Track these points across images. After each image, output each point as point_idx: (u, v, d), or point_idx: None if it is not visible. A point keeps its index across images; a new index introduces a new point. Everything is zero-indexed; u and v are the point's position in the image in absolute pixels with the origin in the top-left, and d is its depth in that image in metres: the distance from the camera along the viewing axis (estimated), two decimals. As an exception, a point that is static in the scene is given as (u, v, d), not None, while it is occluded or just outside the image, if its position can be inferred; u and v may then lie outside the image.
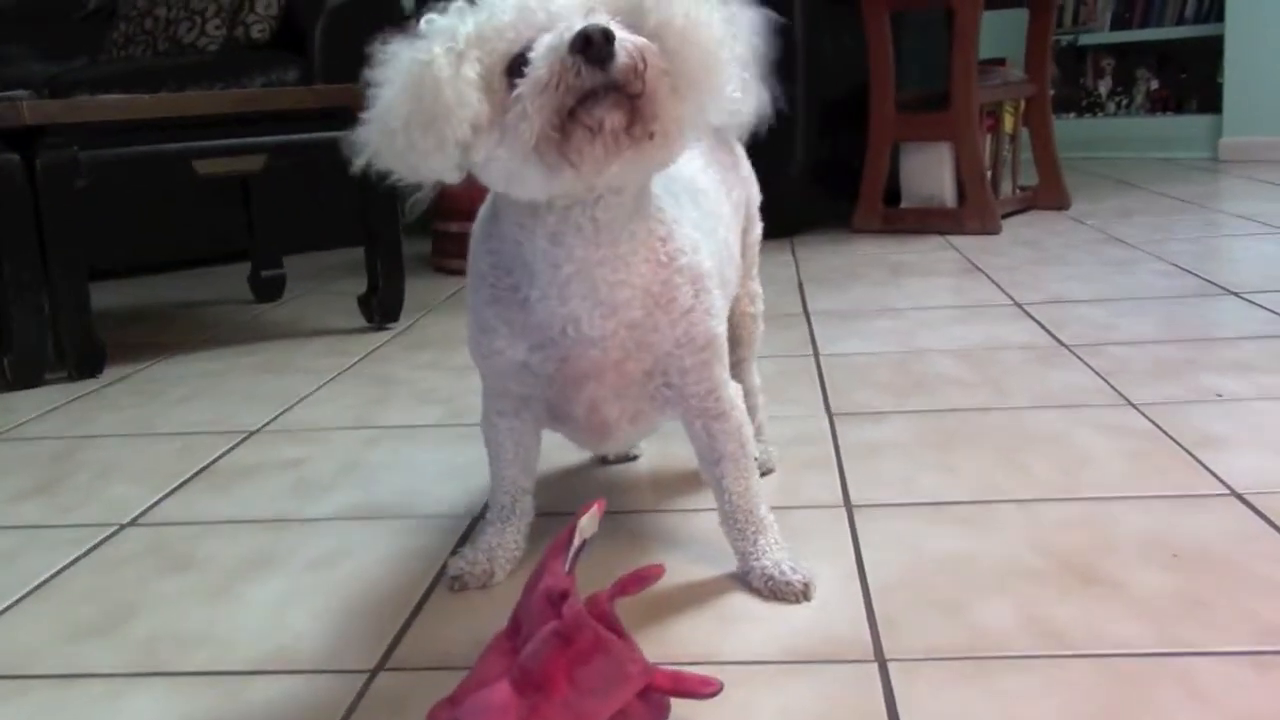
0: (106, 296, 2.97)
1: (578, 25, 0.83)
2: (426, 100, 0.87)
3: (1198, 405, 1.54)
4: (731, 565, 1.11)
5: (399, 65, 0.90)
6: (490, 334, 1.02)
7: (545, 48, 0.84)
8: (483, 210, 1.05)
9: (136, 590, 1.17)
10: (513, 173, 0.89)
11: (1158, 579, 1.05)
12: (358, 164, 0.93)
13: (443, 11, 0.91)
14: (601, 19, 0.85)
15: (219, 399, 1.92)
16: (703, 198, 1.10)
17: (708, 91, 0.90)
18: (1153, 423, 1.48)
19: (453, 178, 0.92)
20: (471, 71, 0.87)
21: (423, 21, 0.90)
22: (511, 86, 0.86)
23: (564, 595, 0.78)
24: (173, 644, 1.05)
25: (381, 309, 2.40)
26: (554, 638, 0.76)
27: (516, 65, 0.86)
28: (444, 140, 0.88)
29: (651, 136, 0.87)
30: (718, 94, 0.91)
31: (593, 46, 0.82)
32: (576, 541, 0.84)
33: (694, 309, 1.00)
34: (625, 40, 0.84)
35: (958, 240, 3.04)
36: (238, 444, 1.65)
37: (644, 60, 0.85)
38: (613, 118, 0.85)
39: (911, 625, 0.99)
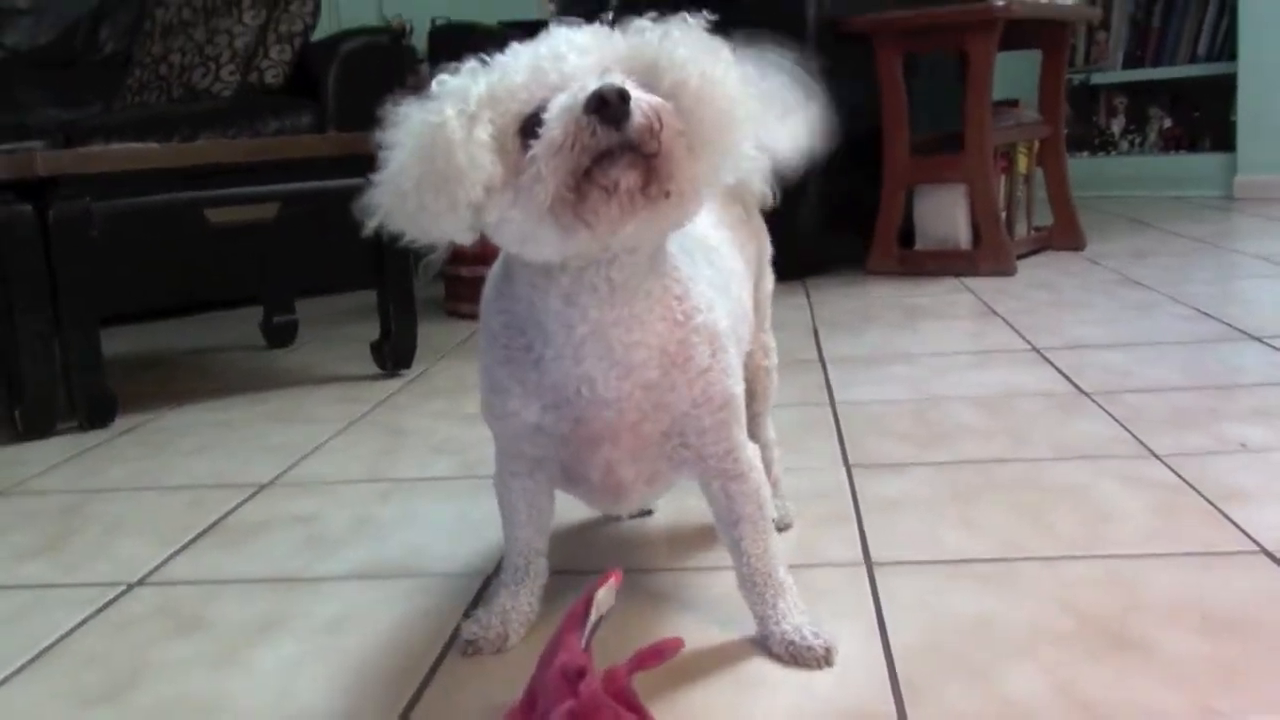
0: (117, 343, 2.96)
1: (592, 85, 0.82)
2: (439, 162, 0.86)
3: (1222, 456, 1.51)
4: (750, 627, 1.08)
5: (410, 127, 0.89)
6: (503, 394, 1.00)
7: (560, 108, 0.83)
8: (494, 269, 1.04)
9: (144, 654, 1.15)
10: (527, 234, 0.88)
11: (1189, 642, 1.02)
12: (370, 225, 0.92)
13: (454, 72, 0.90)
14: (616, 79, 0.83)
15: (229, 450, 1.91)
16: (716, 255, 1.09)
17: (723, 151, 0.89)
18: (1176, 474, 1.45)
19: (465, 239, 0.91)
20: (484, 133, 0.86)
21: (434, 82, 0.90)
22: (525, 147, 0.85)
23: (580, 672, 0.76)
24: (180, 712, 1.03)
25: (394, 355, 2.39)
26: (570, 719, 0.74)
27: (530, 126, 0.85)
28: (456, 202, 0.87)
29: (667, 196, 0.86)
30: (733, 153, 0.90)
31: (608, 106, 0.81)
32: (593, 616, 0.81)
33: (711, 368, 0.98)
34: (641, 100, 0.83)
35: (973, 282, 3.02)
36: (248, 498, 1.63)
37: (659, 120, 0.83)
38: (628, 178, 0.84)
39: (936, 692, 0.97)
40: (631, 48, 0.89)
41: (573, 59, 0.86)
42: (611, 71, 0.85)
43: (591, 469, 1.02)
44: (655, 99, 0.85)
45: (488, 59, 0.91)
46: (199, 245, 3.16)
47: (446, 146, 0.86)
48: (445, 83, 0.89)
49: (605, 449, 1.00)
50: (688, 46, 0.88)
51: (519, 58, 0.89)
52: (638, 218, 0.85)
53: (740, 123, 0.90)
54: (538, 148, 0.84)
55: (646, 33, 0.89)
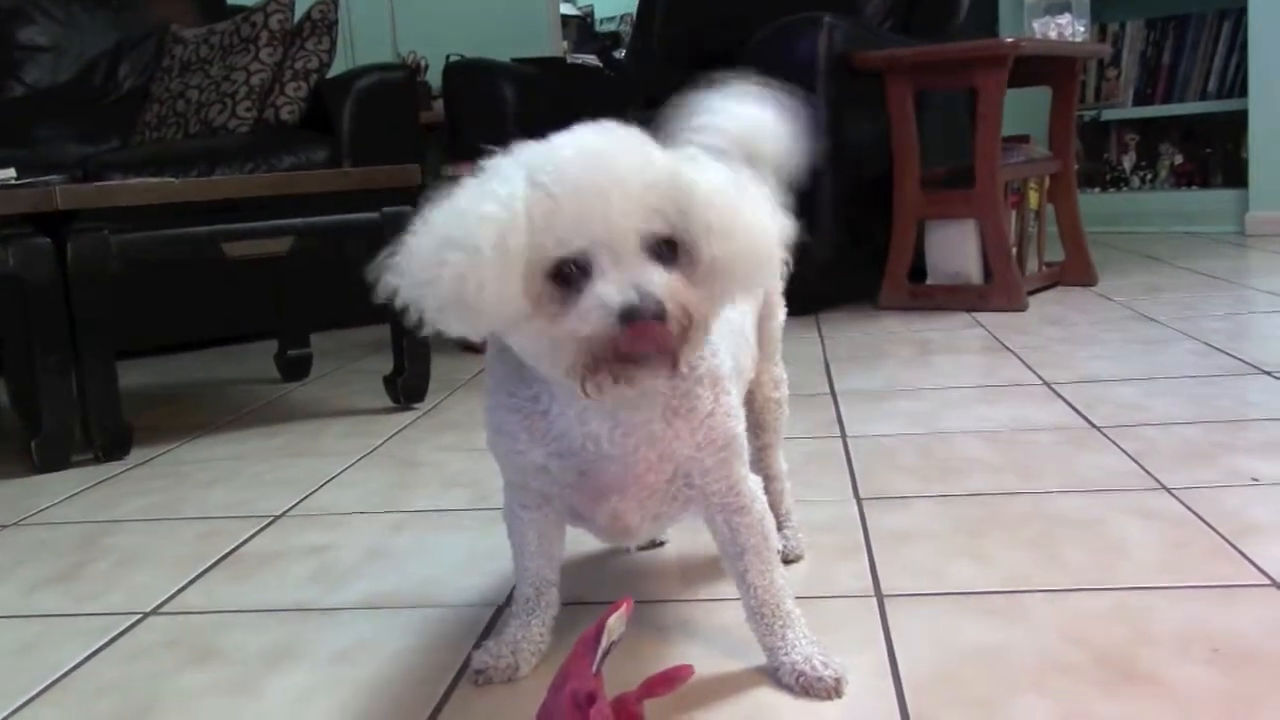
0: (133, 376, 2.99)
1: (631, 293, 0.82)
2: (469, 290, 0.85)
3: (1233, 490, 1.51)
4: (759, 658, 1.09)
5: (448, 233, 0.87)
6: (508, 437, 1.02)
7: (597, 305, 0.83)
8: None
9: (157, 684, 1.16)
10: (539, 364, 0.91)
11: (1199, 675, 1.02)
12: (383, 295, 0.91)
13: (504, 154, 0.90)
14: (657, 280, 0.84)
15: (243, 482, 1.92)
16: None
17: (747, 290, 0.91)
18: (1188, 508, 1.45)
19: (477, 339, 0.94)
20: (518, 269, 0.85)
21: (482, 172, 0.89)
22: (554, 290, 0.85)
23: (591, 698, 0.76)
24: (192, 741, 1.04)
25: (407, 390, 2.40)
26: (580, 744, 0.74)
27: (561, 270, 0.85)
28: (477, 327, 0.89)
29: (677, 364, 0.88)
30: (757, 289, 0.92)
31: (643, 324, 0.82)
32: (604, 643, 0.82)
33: (714, 413, 0.99)
34: (675, 308, 0.84)
35: (984, 317, 3.03)
36: (261, 529, 1.64)
37: (689, 318, 0.85)
38: (645, 376, 0.86)
39: (946, 725, 0.97)
40: (673, 185, 0.87)
41: (617, 204, 0.84)
42: (651, 221, 0.85)
43: (598, 514, 1.03)
44: (689, 297, 0.86)
45: (532, 148, 0.90)
46: (215, 279, 3.19)
47: (478, 281, 0.84)
48: (491, 188, 0.87)
49: (612, 500, 1.01)
50: (723, 186, 0.89)
51: (563, 175, 0.85)
52: (644, 385, 0.88)
53: (767, 263, 0.91)
54: (564, 328, 0.85)
55: (685, 166, 0.89)
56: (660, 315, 0.82)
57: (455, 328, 0.89)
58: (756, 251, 0.90)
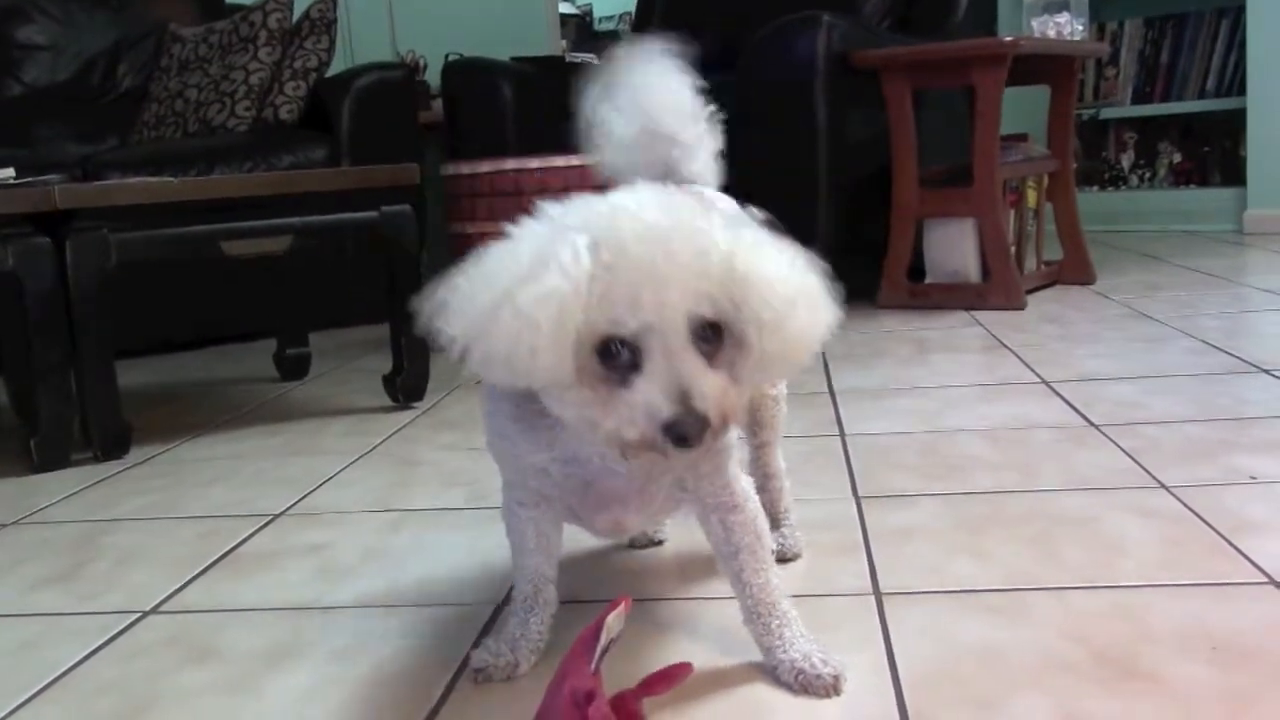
0: (132, 375, 2.99)
1: (679, 406, 0.83)
2: (520, 356, 0.85)
3: (1231, 488, 1.51)
4: (757, 655, 1.09)
5: (506, 298, 0.85)
6: (509, 441, 1.02)
7: (644, 413, 0.84)
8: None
9: (156, 682, 1.16)
10: (574, 426, 0.91)
11: (1197, 673, 1.02)
12: (427, 325, 0.91)
13: (566, 209, 0.89)
14: (705, 389, 0.85)
15: (242, 481, 1.92)
16: None
17: (784, 377, 0.92)
18: (1186, 506, 1.45)
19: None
20: (570, 337, 0.85)
21: (542, 225, 0.88)
22: (599, 366, 0.86)
23: (590, 696, 0.77)
24: (192, 739, 1.04)
25: (406, 389, 2.40)
26: (579, 742, 0.74)
27: (609, 347, 0.86)
28: (520, 384, 0.89)
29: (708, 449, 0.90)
30: (795, 368, 0.92)
31: (685, 437, 0.84)
32: (603, 640, 0.82)
33: None
34: (717, 416, 0.85)
35: (983, 316, 3.03)
36: (261, 528, 1.64)
37: (726, 419, 0.86)
38: (679, 457, 0.88)
39: (945, 722, 0.97)
40: (729, 274, 0.87)
41: (675, 291, 0.84)
42: (700, 304, 0.85)
43: (598, 520, 1.06)
44: (730, 401, 0.87)
45: (595, 208, 0.89)
46: (214, 279, 3.19)
47: (532, 348, 0.85)
48: (555, 255, 0.85)
49: (614, 509, 1.03)
50: (779, 279, 0.89)
51: (625, 254, 0.84)
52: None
53: (809, 357, 0.92)
54: (607, 427, 0.86)
55: (743, 253, 0.88)
56: (704, 431, 0.84)
57: (498, 379, 0.90)
58: (802, 348, 0.91)
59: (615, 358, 0.85)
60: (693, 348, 0.86)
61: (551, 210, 0.91)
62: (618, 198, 0.89)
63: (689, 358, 0.85)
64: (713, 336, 0.88)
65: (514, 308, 0.84)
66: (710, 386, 0.85)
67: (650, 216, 0.86)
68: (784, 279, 0.90)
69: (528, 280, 0.85)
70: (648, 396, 0.85)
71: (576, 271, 0.84)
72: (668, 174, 1.19)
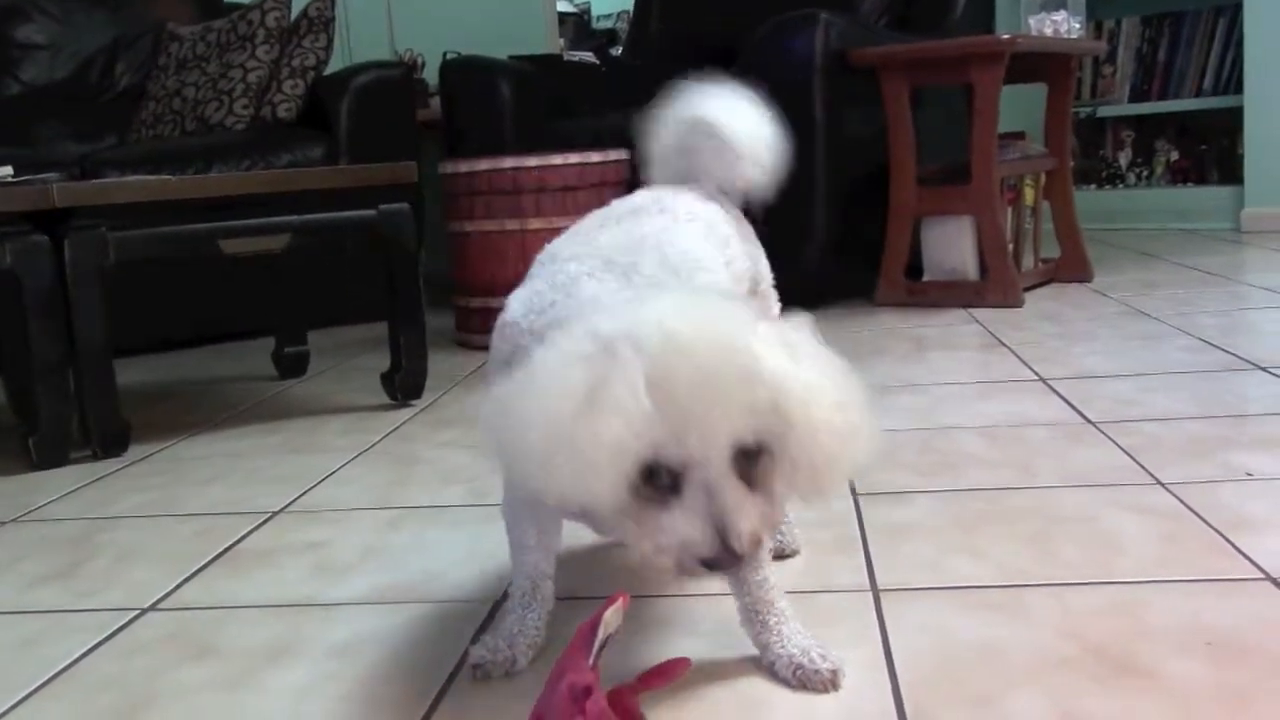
0: (131, 373, 2.99)
1: (718, 543, 0.84)
2: (577, 494, 0.85)
3: (1228, 485, 1.52)
4: (755, 651, 1.09)
5: (562, 438, 0.84)
6: None
7: (681, 545, 0.85)
8: (503, 333, 1.05)
9: (156, 678, 1.16)
10: (612, 534, 0.94)
11: (1194, 668, 1.02)
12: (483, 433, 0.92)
13: (615, 321, 0.87)
14: (743, 525, 0.84)
15: (241, 479, 1.92)
16: (699, 269, 1.10)
17: (824, 491, 0.92)
18: (1183, 503, 1.46)
19: None
20: (625, 475, 0.85)
21: (599, 347, 0.86)
22: (639, 484, 0.85)
23: (587, 691, 0.77)
24: (191, 735, 1.04)
25: (404, 386, 2.40)
26: (577, 737, 0.74)
27: (650, 473, 0.85)
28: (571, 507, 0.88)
29: None
30: (834, 490, 0.93)
31: (720, 564, 0.85)
32: (600, 635, 0.82)
33: None
34: (751, 544, 0.85)
35: (980, 313, 3.03)
36: (259, 525, 1.64)
37: (759, 542, 0.87)
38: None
39: (941, 718, 0.97)
40: (774, 403, 0.86)
41: (721, 427, 0.84)
42: (736, 507, 0.85)
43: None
44: (764, 527, 0.87)
45: (644, 325, 0.86)
46: (212, 277, 3.19)
47: (590, 491, 0.84)
48: (612, 390, 0.83)
49: None
50: (828, 406, 0.88)
51: (673, 386, 0.83)
52: None
53: (850, 470, 0.92)
54: (647, 545, 0.86)
55: (790, 377, 0.87)
56: (737, 561, 0.85)
57: (532, 491, 0.90)
58: (841, 472, 0.91)
59: (656, 478, 0.85)
60: (734, 475, 0.85)
61: (598, 320, 0.89)
62: (663, 309, 0.87)
63: (729, 487, 0.85)
64: (754, 453, 0.87)
65: (573, 449, 0.83)
66: (747, 520, 0.85)
67: (700, 351, 0.84)
68: (830, 405, 0.89)
69: (585, 418, 0.83)
70: (686, 531, 0.85)
71: (638, 415, 0.83)
72: (708, 178, 1.25)
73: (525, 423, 0.86)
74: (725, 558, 0.84)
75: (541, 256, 1.12)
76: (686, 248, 1.10)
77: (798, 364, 0.88)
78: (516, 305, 1.05)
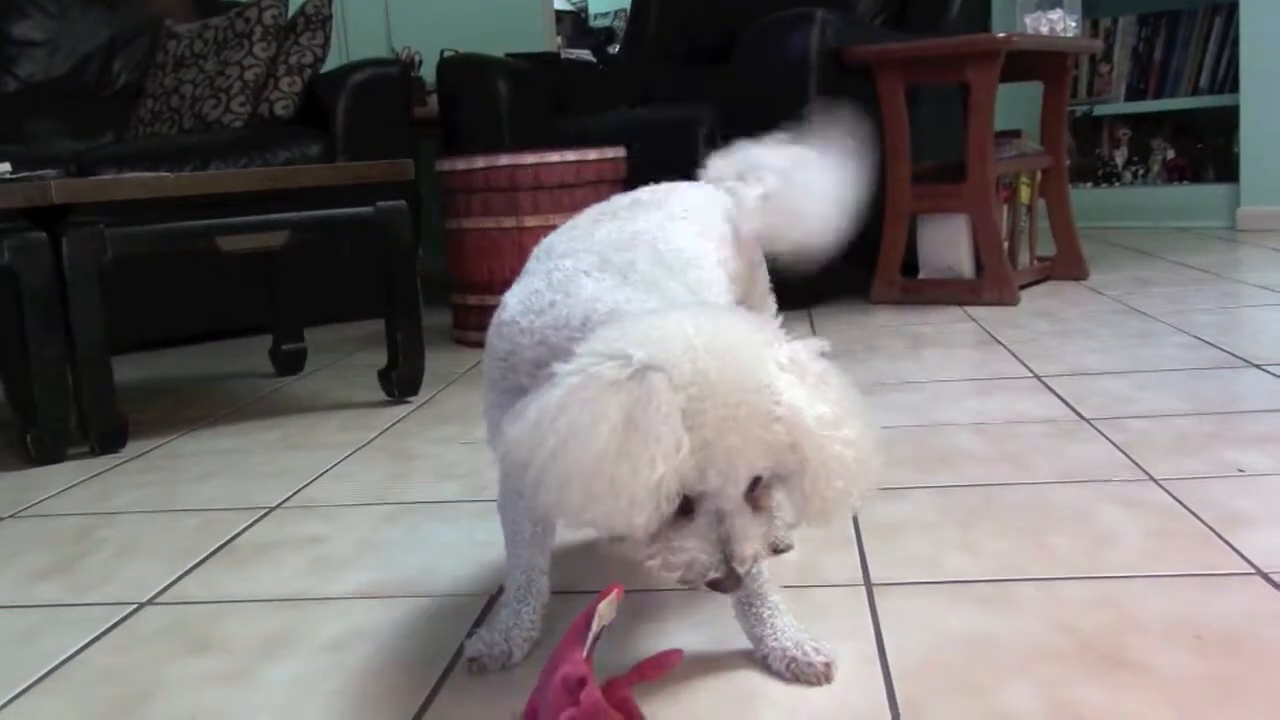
0: (128, 370, 2.99)
1: (724, 565, 0.87)
2: (615, 526, 0.86)
3: (1220, 481, 1.53)
4: (748, 643, 1.10)
5: (607, 484, 0.85)
6: None
7: (688, 565, 0.88)
8: (500, 331, 1.05)
9: (154, 672, 1.17)
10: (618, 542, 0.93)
11: (1183, 661, 1.03)
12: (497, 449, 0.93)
13: (651, 354, 0.87)
14: (748, 551, 0.88)
15: (239, 475, 1.93)
16: (692, 267, 1.10)
17: (827, 519, 0.93)
18: (1175, 499, 1.46)
19: None
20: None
21: (632, 376, 0.86)
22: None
23: (581, 682, 0.78)
24: (189, 728, 1.05)
25: (402, 383, 2.41)
26: (571, 727, 0.75)
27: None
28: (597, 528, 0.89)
29: None
30: (837, 517, 0.94)
31: (723, 589, 0.89)
32: (595, 627, 0.83)
33: None
34: (752, 564, 0.88)
35: (976, 311, 3.04)
36: (257, 520, 1.65)
37: (759, 560, 0.90)
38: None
39: (934, 710, 0.98)
40: (793, 437, 0.88)
41: (741, 465, 0.86)
42: (744, 534, 0.88)
43: None
44: (766, 547, 0.90)
45: (677, 356, 0.87)
46: (210, 274, 3.20)
47: (629, 523, 0.85)
48: (655, 429, 0.84)
49: None
50: (844, 443, 0.91)
51: (701, 425, 0.85)
52: None
53: (856, 501, 0.94)
54: (656, 560, 0.89)
55: (806, 412, 0.89)
56: (739, 583, 0.88)
57: (549, 513, 0.92)
58: (849, 503, 0.93)
59: (670, 503, 0.86)
60: (745, 503, 0.89)
61: (623, 342, 0.88)
62: (689, 336, 0.88)
63: (739, 514, 0.88)
64: (764, 477, 0.90)
65: (614, 485, 0.84)
66: (751, 546, 0.88)
67: (727, 391, 0.86)
68: (843, 442, 0.91)
69: (626, 456, 0.84)
70: (695, 553, 0.88)
71: (675, 454, 0.84)
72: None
73: (561, 453, 0.86)
74: (729, 580, 0.87)
75: (537, 251, 1.13)
76: (680, 245, 1.10)
77: (813, 397, 0.91)
78: (514, 304, 1.05)
